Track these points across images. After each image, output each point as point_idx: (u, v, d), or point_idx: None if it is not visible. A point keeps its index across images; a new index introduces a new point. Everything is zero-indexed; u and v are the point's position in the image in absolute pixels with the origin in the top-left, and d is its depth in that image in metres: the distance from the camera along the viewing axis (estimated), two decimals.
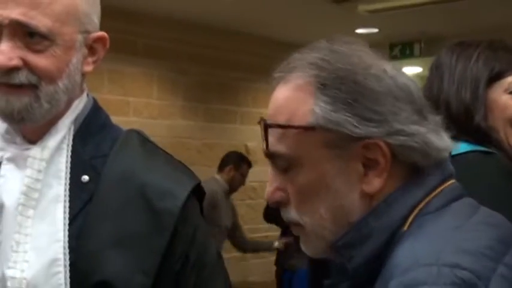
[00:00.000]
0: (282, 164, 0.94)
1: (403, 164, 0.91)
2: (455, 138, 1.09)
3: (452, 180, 0.94)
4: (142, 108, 6.04)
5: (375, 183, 0.91)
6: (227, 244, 5.25)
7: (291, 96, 0.94)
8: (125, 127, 1.32)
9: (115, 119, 1.31)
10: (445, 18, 6.12)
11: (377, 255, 0.89)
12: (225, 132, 6.87)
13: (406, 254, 0.84)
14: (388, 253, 0.88)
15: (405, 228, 0.89)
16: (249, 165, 5.30)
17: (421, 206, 0.90)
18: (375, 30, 6.78)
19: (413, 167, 0.91)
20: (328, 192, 0.92)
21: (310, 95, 0.92)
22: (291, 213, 0.95)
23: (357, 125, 0.89)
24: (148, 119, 5.99)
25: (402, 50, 7.00)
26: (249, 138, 6.80)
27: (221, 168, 5.12)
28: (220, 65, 6.76)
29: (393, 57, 6.77)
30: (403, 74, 0.94)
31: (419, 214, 0.90)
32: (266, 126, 0.93)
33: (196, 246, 1.24)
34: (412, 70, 6.86)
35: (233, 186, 5.12)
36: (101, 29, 1.26)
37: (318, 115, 0.90)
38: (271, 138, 0.93)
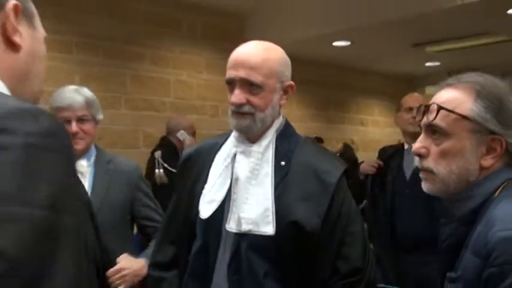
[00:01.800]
0: (435, 132, 1.22)
1: (508, 154, 1.21)
2: None
3: None
4: (288, 115, 6.63)
5: (489, 161, 1.19)
6: None
7: (459, 96, 1.21)
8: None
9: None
10: (487, 55, 7.12)
11: (475, 210, 1.18)
12: (337, 130, 8.06)
13: (503, 210, 1.12)
14: (483, 209, 1.18)
15: (496, 195, 1.17)
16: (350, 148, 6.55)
17: (509, 180, 1.19)
18: (438, 63, 8.01)
19: None
20: (462, 158, 1.20)
21: (472, 99, 1.20)
22: (428, 163, 1.24)
23: (496, 124, 1.18)
24: (292, 122, 6.67)
25: None
26: (353, 134, 8.15)
27: None
28: (337, 87, 8.07)
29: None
30: None
31: (508, 186, 1.18)
32: (439, 108, 1.20)
33: (345, 204, 1.61)
34: None
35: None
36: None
37: (474, 112, 1.18)
38: (438, 116, 1.20)
